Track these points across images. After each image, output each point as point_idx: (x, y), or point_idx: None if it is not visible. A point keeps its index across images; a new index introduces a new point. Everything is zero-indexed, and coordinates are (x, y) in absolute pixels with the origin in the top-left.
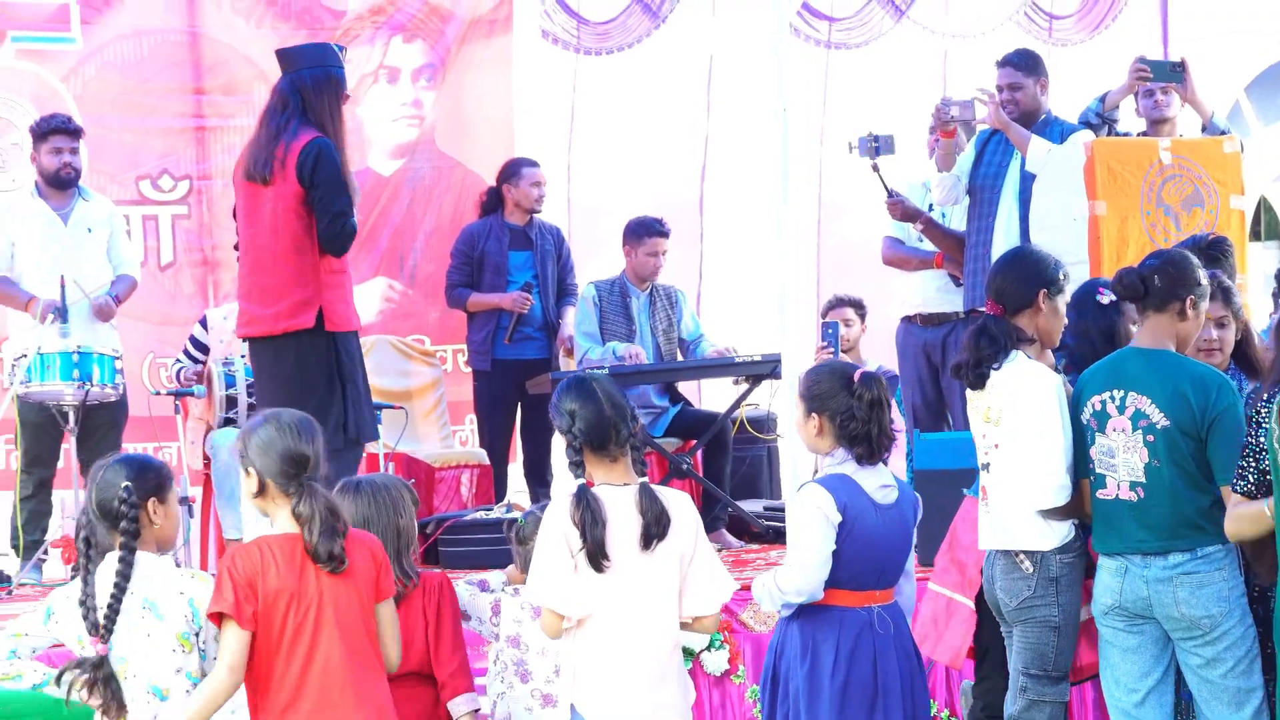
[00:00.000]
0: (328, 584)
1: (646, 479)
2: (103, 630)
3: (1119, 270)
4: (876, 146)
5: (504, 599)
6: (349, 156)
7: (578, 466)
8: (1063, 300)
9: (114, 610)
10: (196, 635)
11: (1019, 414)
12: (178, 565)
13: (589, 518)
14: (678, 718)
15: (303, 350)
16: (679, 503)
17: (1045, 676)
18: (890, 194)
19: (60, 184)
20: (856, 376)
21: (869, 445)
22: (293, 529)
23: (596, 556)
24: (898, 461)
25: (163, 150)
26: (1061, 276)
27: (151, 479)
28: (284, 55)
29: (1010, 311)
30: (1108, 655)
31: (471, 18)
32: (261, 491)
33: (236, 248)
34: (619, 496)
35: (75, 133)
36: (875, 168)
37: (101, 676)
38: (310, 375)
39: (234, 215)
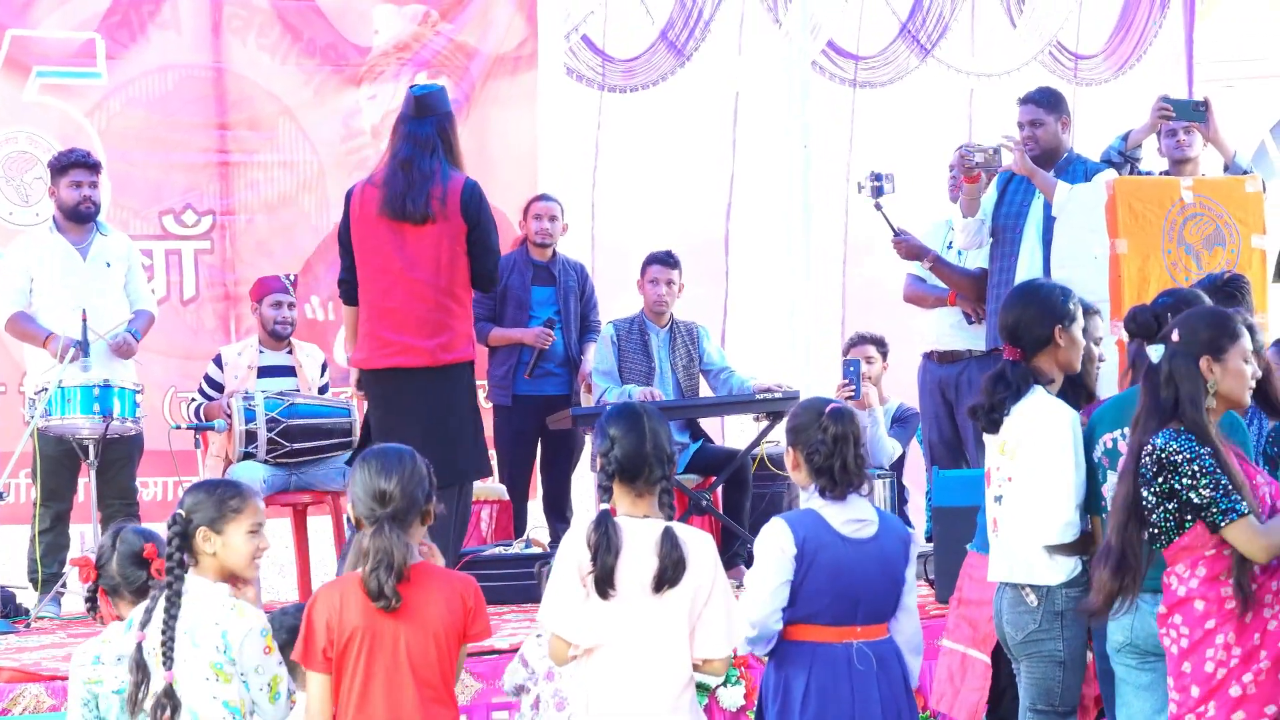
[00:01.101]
0: (403, 625)
1: (671, 523)
2: (164, 657)
3: (1132, 308)
4: (878, 186)
5: (528, 645)
6: None
7: (606, 491)
8: (1078, 327)
9: (170, 637)
10: (233, 664)
11: (1033, 449)
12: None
13: (604, 544)
14: None
15: (458, 382)
16: (699, 544)
17: (1052, 712)
18: (896, 233)
19: (79, 218)
20: (826, 410)
21: (830, 478)
22: None
23: (603, 584)
24: (917, 499)
25: (186, 185)
26: (1072, 306)
27: (209, 507)
28: (422, 101)
29: (1029, 352)
30: (1121, 693)
31: (496, 54)
32: (358, 526)
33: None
34: (639, 529)
35: (94, 167)
36: (878, 207)
37: (171, 705)
38: (457, 404)
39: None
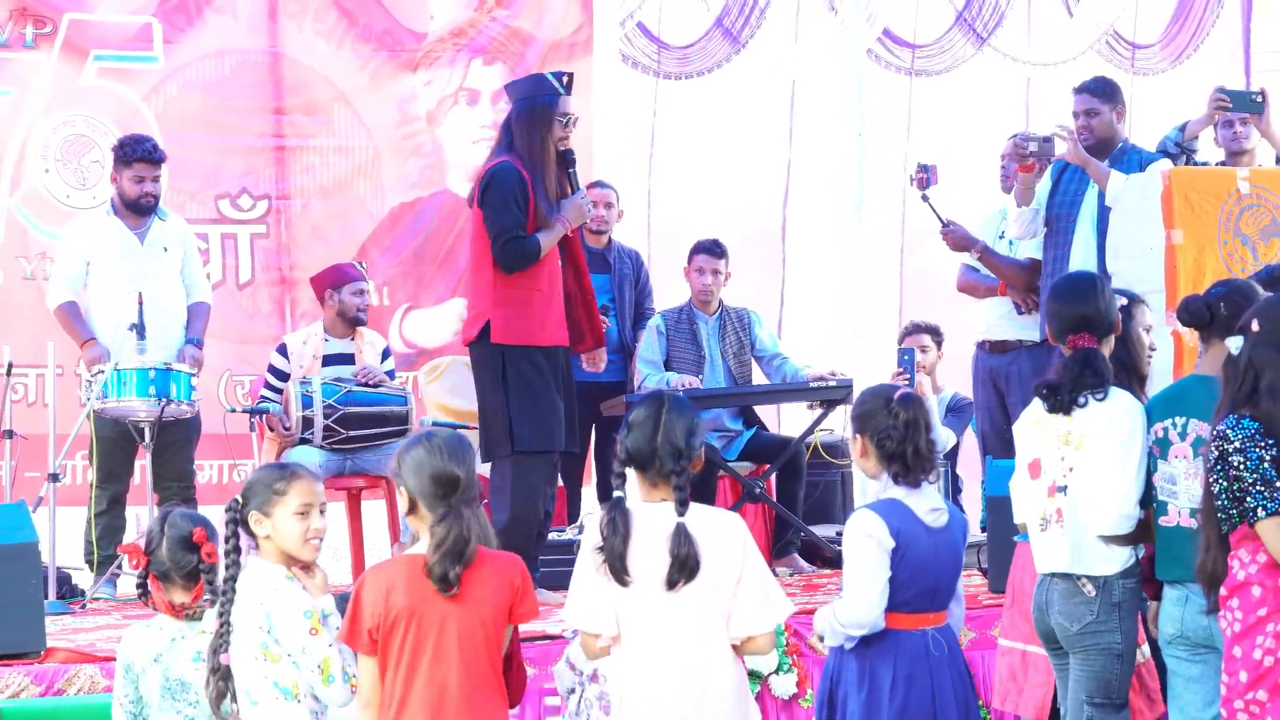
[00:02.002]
0: (451, 607)
1: (685, 515)
2: (220, 639)
3: (1185, 298)
4: (924, 177)
5: (571, 648)
6: (551, 180)
7: (619, 478)
8: (1143, 319)
9: (227, 621)
10: (278, 645)
11: (1108, 443)
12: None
13: (612, 529)
14: None
15: (479, 360)
16: (720, 528)
17: (1109, 704)
18: (944, 224)
19: (139, 210)
20: (895, 396)
21: (904, 464)
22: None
23: (616, 569)
24: (972, 488)
25: (242, 169)
26: (1130, 300)
27: (259, 491)
28: (508, 89)
29: (1102, 339)
30: (1173, 684)
31: (552, 41)
32: (412, 510)
33: None
34: (653, 515)
35: (159, 161)
36: (925, 198)
37: (225, 685)
38: (484, 384)
39: None
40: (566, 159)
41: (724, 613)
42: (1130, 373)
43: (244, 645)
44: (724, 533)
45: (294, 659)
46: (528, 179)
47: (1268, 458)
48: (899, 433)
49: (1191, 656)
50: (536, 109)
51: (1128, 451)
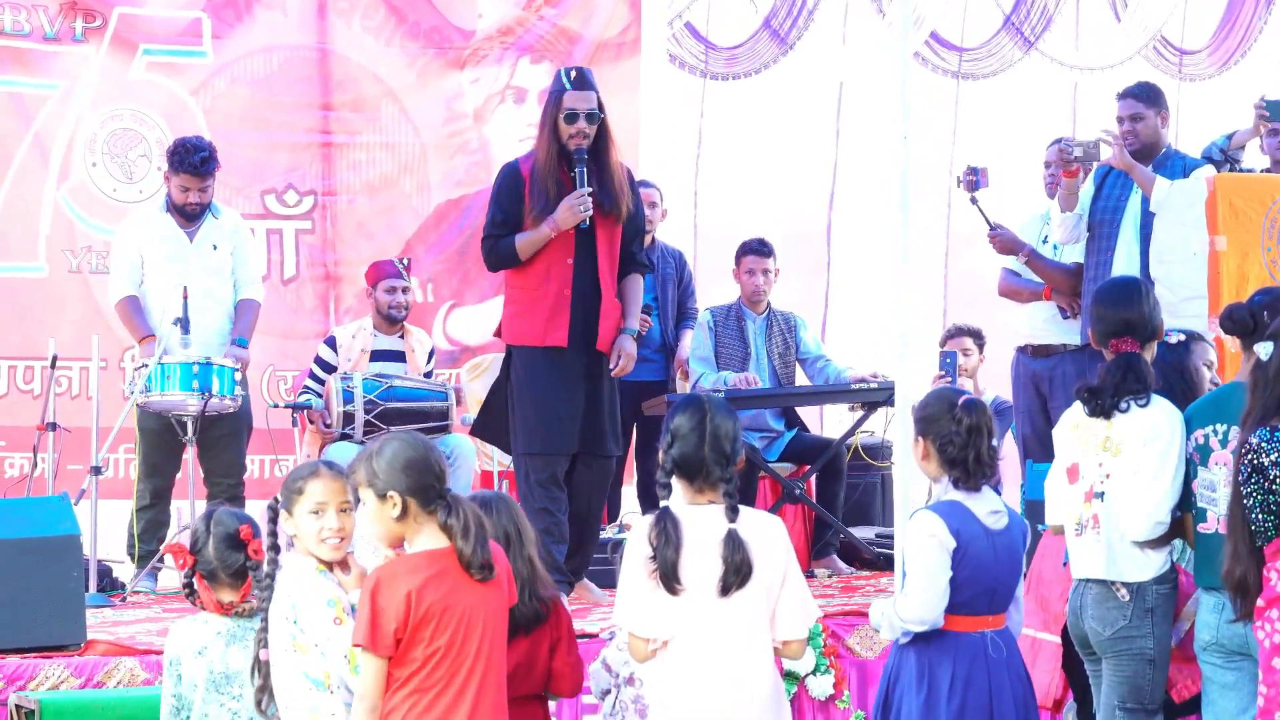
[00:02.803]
0: (478, 597)
1: (735, 520)
2: (260, 635)
3: (1228, 306)
4: (974, 180)
5: (609, 651)
6: (551, 179)
7: (665, 489)
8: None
9: (264, 619)
10: (304, 634)
11: (1147, 451)
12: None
13: (663, 540)
14: None
15: (503, 359)
16: (766, 533)
17: (1141, 709)
18: (992, 227)
19: (185, 215)
20: (960, 401)
21: (965, 469)
22: (437, 544)
23: (669, 579)
24: (1012, 492)
25: (289, 165)
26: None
27: (283, 491)
28: None
29: (1144, 344)
30: (1208, 690)
31: (599, 40)
32: (404, 514)
33: None
34: (702, 519)
35: (207, 173)
36: (974, 200)
37: (264, 681)
38: (499, 381)
39: None
40: (574, 157)
41: (768, 616)
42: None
43: (277, 638)
44: (768, 536)
45: (320, 649)
46: (526, 177)
47: None
48: (961, 438)
49: (1226, 664)
50: (547, 106)
51: (1165, 459)
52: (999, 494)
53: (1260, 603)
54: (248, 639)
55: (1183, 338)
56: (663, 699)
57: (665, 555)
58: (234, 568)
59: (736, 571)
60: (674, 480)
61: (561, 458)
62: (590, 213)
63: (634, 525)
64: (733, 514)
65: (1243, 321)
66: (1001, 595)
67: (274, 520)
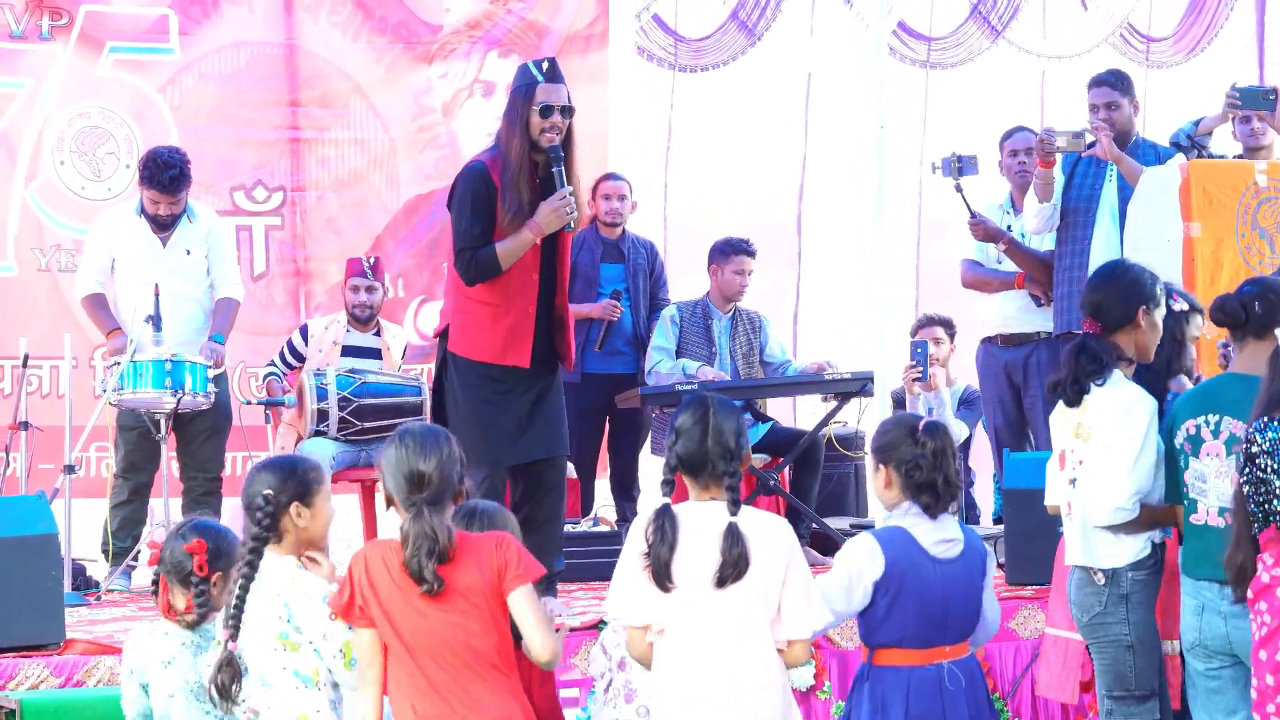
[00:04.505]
0: (433, 603)
1: (738, 515)
2: (229, 627)
3: (1218, 298)
4: (960, 167)
5: (605, 634)
6: (524, 180)
7: (668, 485)
8: (1160, 313)
9: (238, 609)
10: (299, 633)
11: (1112, 434)
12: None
13: (659, 537)
14: None
15: (437, 357)
16: (769, 531)
17: (1129, 697)
18: (973, 215)
19: (159, 224)
20: (920, 426)
21: (934, 494)
22: None
23: (660, 576)
24: (984, 482)
25: (257, 161)
26: (1159, 291)
27: (295, 484)
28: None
29: (1108, 329)
30: (1194, 684)
31: (567, 33)
32: (390, 504)
33: None
34: (703, 514)
35: (174, 187)
36: (958, 188)
37: (228, 673)
38: (437, 381)
39: None
40: (549, 155)
41: (768, 614)
42: (1157, 376)
43: (261, 637)
44: (769, 535)
45: (315, 645)
46: (496, 180)
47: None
48: (928, 461)
49: (1208, 662)
50: (515, 101)
51: (1129, 443)
52: (972, 483)
53: (1249, 594)
54: (213, 648)
55: (1185, 306)
56: (658, 690)
57: (660, 553)
58: (183, 575)
59: (734, 565)
60: (680, 478)
61: (503, 471)
62: (576, 214)
63: (637, 518)
64: (734, 508)
65: (1234, 313)
66: (956, 625)
67: (272, 514)
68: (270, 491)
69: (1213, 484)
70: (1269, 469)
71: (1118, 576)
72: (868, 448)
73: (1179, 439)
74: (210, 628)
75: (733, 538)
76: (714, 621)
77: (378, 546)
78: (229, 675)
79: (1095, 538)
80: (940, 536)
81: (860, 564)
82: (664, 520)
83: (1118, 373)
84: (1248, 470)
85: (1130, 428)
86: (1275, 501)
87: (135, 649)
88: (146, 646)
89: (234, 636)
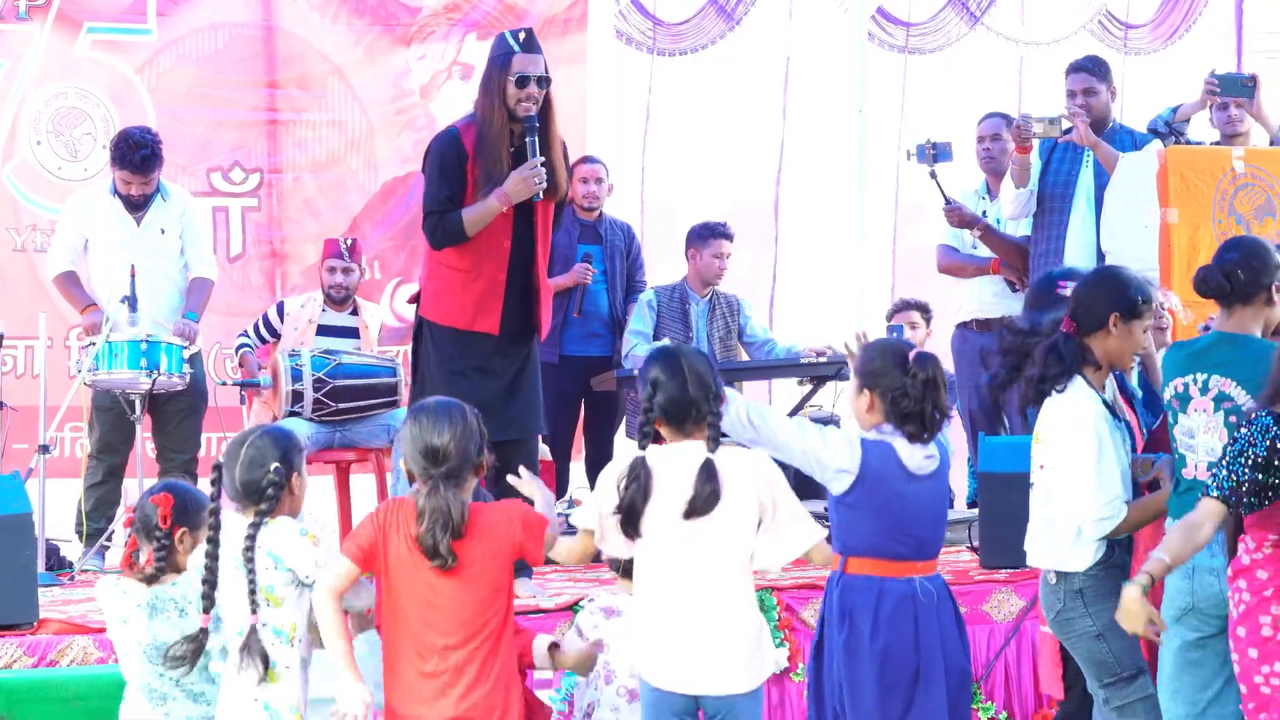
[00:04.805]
0: (446, 577)
1: (713, 456)
2: (205, 598)
3: (1201, 269)
4: (935, 154)
5: (581, 616)
6: (501, 149)
7: (645, 437)
8: (1139, 325)
9: (210, 582)
10: (291, 582)
11: (1066, 447)
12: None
13: (635, 488)
14: (739, 683)
15: (414, 326)
16: (746, 465)
17: (1118, 680)
18: (948, 201)
19: (131, 204)
20: (911, 355)
21: (921, 423)
22: None
23: (628, 525)
24: (958, 467)
25: (235, 143)
26: (1141, 303)
27: (295, 455)
28: None
29: (1083, 331)
30: (1170, 668)
31: (546, 16)
32: (411, 480)
33: None
34: (682, 453)
35: (147, 167)
36: (933, 174)
37: (194, 648)
38: (413, 350)
39: None
40: (524, 124)
41: (740, 550)
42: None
43: (242, 595)
44: (747, 470)
45: (310, 577)
46: (469, 147)
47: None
48: (917, 391)
49: (1198, 630)
50: (491, 71)
51: (1085, 456)
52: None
53: (1229, 572)
54: (168, 610)
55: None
56: (636, 636)
57: (633, 500)
58: (151, 527)
59: (704, 500)
60: (659, 428)
61: None
62: (545, 184)
63: (616, 460)
64: (714, 445)
65: (1218, 284)
66: (930, 542)
67: (283, 486)
68: (279, 465)
69: (1201, 439)
70: (1259, 461)
71: (1069, 574)
72: (851, 420)
73: (1167, 395)
74: (166, 590)
75: (707, 473)
76: (683, 554)
77: (401, 507)
78: (194, 648)
79: (1051, 540)
80: (923, 454)
81: (845, 442)
82: (640, 470)
83: (1079, 380)
84: (1244, 453)
85: (1082, 437)
86: (1220, 470)
87: (100, 598)
88: (107, 601)
89: (208, 609)
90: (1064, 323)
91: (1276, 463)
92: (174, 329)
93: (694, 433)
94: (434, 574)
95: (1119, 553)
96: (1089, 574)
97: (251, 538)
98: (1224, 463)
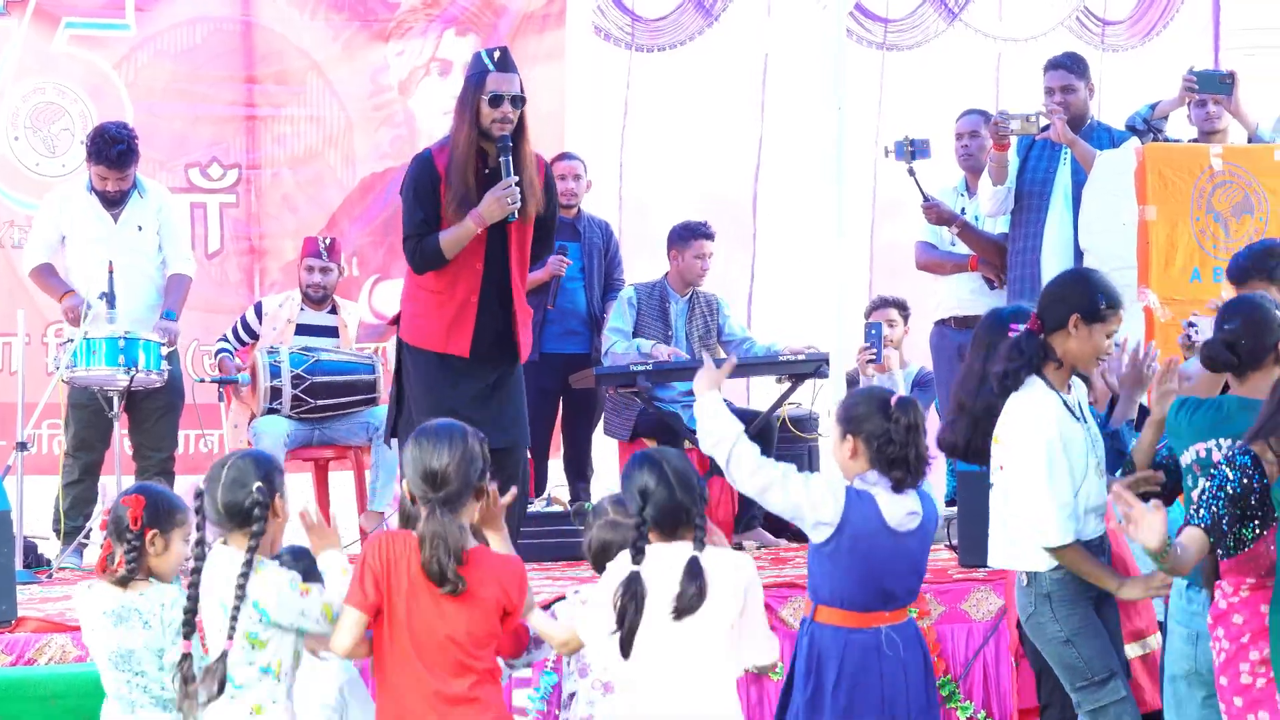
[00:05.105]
0: (448, 602)
1: (699, 554)
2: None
3: (1205, 345)
4: (913, 151)
5: (560, 606)
6: (470, 170)
7: (639, 554)
8: (1101, 329)
9: (191, 611)
10: (273, 628)
11: (1016, 449)
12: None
13: (632, 608)
14: None
15: (397, 344)
16: (729, 564)
17: (1090, 684)
18: (926, 199)
19: (108, 201)
20: (893, 401)
21: (906, 469)
22: None
23: (626, 645)
24: (938, 466)
25: (213, 138)
26: (1103, 306)
27: (277, 476)
28: None
29: (1046, 329)
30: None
31: (525, 12)
32: (414, 501)
33: None
34: (669, 554)
35: (124, 162)
36: (911, 172)
37: (181, 674)
38: (395, 368)
39: None
40: (497, 144)
41: (725, 645)
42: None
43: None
44: (730, 569)
45: (296, 626)
46: (441, 169)
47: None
48: (901, 436)
49: (1204, 690)
50: (466, 90)
51: (1035, 458)
52: (928, 464)
53: (1209, 620)
54: (132, 620)
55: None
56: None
57: (631, 622)
58: (122, 529)
59: (692, 598)
60: (651, 535)
61: None
62: (519, 204)
63: (612, 572)
64: (700, 546)
65: (1225, 360)
66: (901, 594)
67: (267, 507)
68: (259, 483)
69: None
70: (1235, 495)
71: (1038, 577)
72: (830, 418)
73: (1186, 459)
74: (133, 600)
75: (693, 572)
76: (672, 652)
77: (395, 540)
78: (184, 674)
79: (1010, 541)
80: (907, 509)
81: (827, 490)
82: (636, 588)
83: (1036, 381)
84: (1223, 487)
85: (1036, 441)
86: (1201, 509)
87: (77, 600)
88: (79, 606)
89: (188, 635)
90: (1031, 319)
91: (1253, 501)
92: (154, 329)
93: (683, 535)
94: (446, 600)
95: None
96: (1056, 577)
97: (242, 586)
98: (1204, 499)
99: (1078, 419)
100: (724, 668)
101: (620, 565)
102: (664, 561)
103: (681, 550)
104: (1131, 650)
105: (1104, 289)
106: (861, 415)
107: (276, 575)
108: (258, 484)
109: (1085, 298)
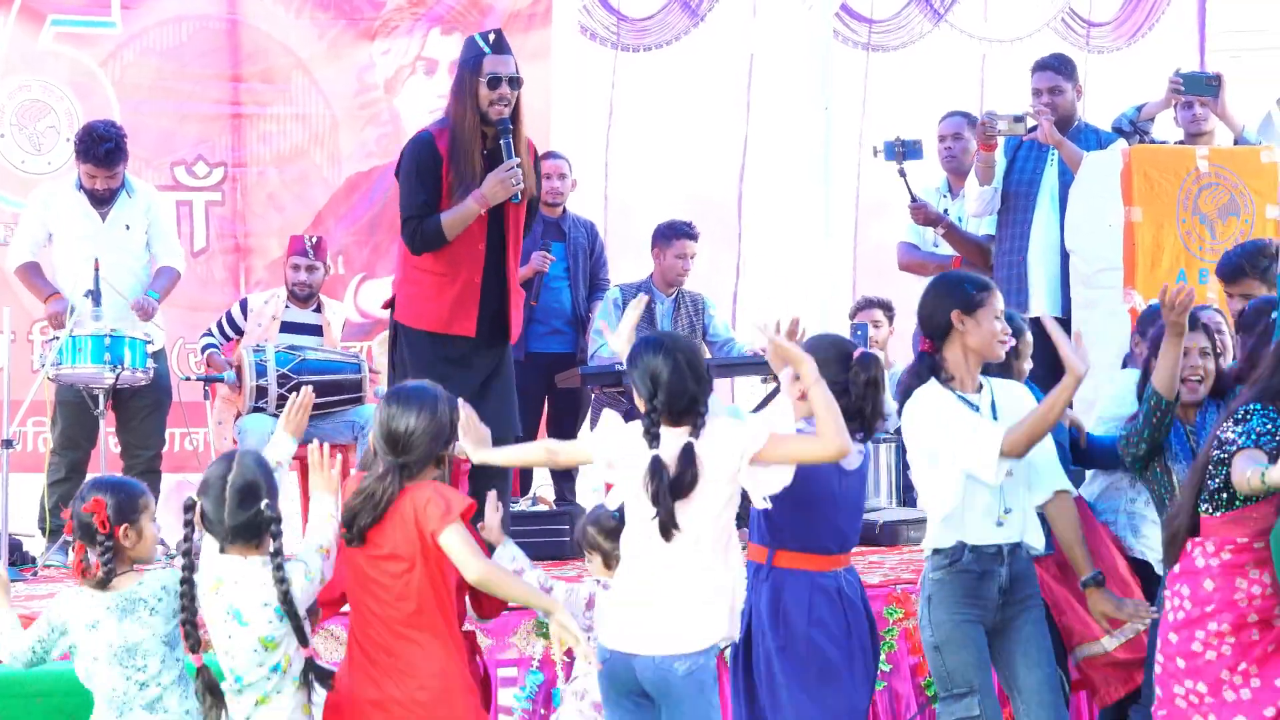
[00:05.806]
0: (369, 564)
1: (695, 440)
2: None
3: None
4: (904, 152)
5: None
6: (474, 152)
7: (654, 438)
8: (986, 313)
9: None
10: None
11: (910, 444)
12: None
13: (663, 489)
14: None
15: (389, 330)
16: (721, 436)
17: (949, 696)
18: (914, 200)
19: (96, 199)
20: (856, 354)
21: (861, 421)
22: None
23: (667, 527)
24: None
25: (199, 136)
26: (976, 292)
27: (274, 482)
28: None
29: (936, 344)
30: None
31: (510, 11)
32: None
33: None
34: (671, 442)
35: (112, 160)
36: (902, 172)
37: (204, 684)
38: (389, 354)
39: None
40: (497, 126)
41: (718, 531)
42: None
43: (242, 640)
44: (721, 440)
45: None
46: (443, 151)
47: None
48: (858, 390)
49: None
50: (463, 74)
51: (920, 458)
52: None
53: (1175, 569)
54: (139, 610)
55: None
56: (611, 597)
57: (665, 504)
58: (93, 535)
59: (684, 484)
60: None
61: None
62: (521, 185)
63: (612, 422)
64: (697, 434)
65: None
66: (852, 535)
67: (190, 517)
68: (269, 500)
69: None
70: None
71: (924, 579)
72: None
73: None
74: (135, 590)
75: (687, 458)
76: (659, 533)
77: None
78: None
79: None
80: (856, 449)
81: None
82: (661, 474)
83: (930, 382)
84: (1219, 450)
85: (919, 432)
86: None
87: (63, 605)
88: (72, 606)
89: (194, 648)
90: (921, 343)
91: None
92: (133, 304)
93: (683, 421)
94: (364, 558)
95: (968, 556)
96: (935, 579)
97: (288, 596)
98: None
99: (972, 408)
100: (711, 552)
101: (612, 421)
102: (666, 448)
103: (678, 437)
104: (1110, 642)
105: (965, 278)
106: (821, 362)
107: (296, 575)
108: (265, 501)
109: (954, 293)
